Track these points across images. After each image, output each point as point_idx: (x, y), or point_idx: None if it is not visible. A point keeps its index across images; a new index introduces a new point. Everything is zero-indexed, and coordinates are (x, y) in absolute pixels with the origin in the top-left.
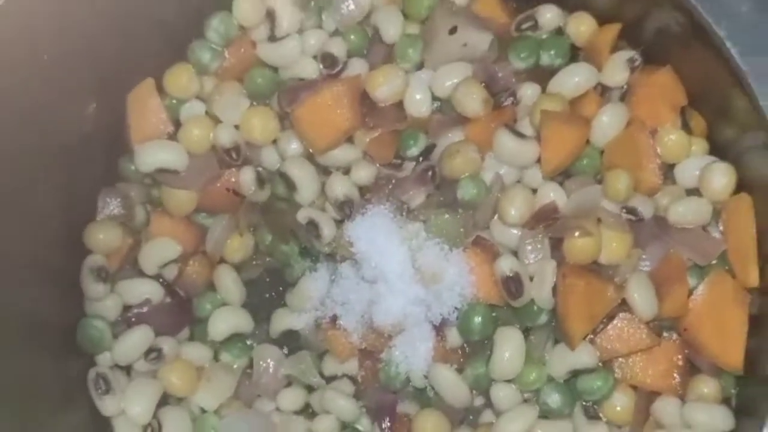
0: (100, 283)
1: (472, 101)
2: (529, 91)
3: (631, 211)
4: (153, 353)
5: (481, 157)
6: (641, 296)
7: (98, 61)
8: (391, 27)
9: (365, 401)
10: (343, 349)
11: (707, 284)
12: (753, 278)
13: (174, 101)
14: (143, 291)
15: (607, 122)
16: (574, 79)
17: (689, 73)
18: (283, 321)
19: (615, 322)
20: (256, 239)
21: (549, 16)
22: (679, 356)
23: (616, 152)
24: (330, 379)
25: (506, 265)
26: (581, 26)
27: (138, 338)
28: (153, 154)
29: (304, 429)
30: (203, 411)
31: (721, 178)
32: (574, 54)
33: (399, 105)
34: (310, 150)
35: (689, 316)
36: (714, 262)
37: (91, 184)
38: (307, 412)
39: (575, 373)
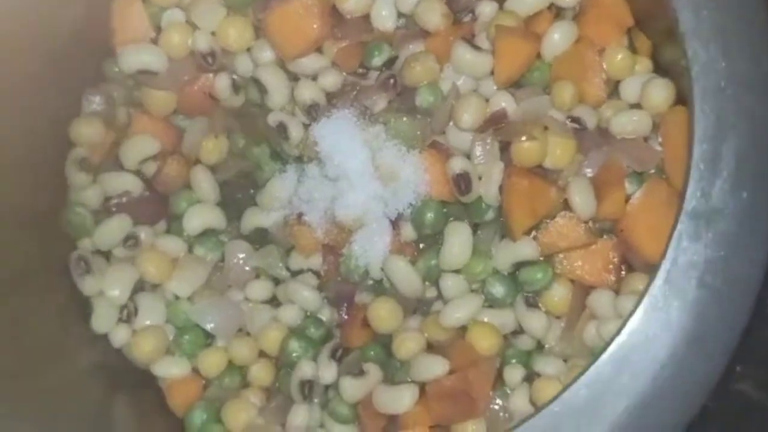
0: (83, 173)
1: (433, 15)
2: (487, 9)
3: (576, 120)
4: (131, 240)
5: (440, 68)
6: (581, 197)
7: None
8: None
9: (327, 293)
10: (307, 244)
11: (644, 189)
12: None
13: (156, 9)
14: (123, 183)
15: (558, 38)
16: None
17: None
18: (253, 219)
19: (556, 219)
20: (230, 142)
21: None
22: (615, 254)
23: (564, 66)
24: (295, 273)
25: (457, 164)
26: None
27: (117, 225)
28: (135, 56)
29: (270, 317)
30: (177, 298)
31: (661, 91)
32: None
33: (366, 18)
34: (282, 57)
35: (626, 218)
36: (652, 171)
37: (77, 83)
38: (274, 302)
39: (518, 266)
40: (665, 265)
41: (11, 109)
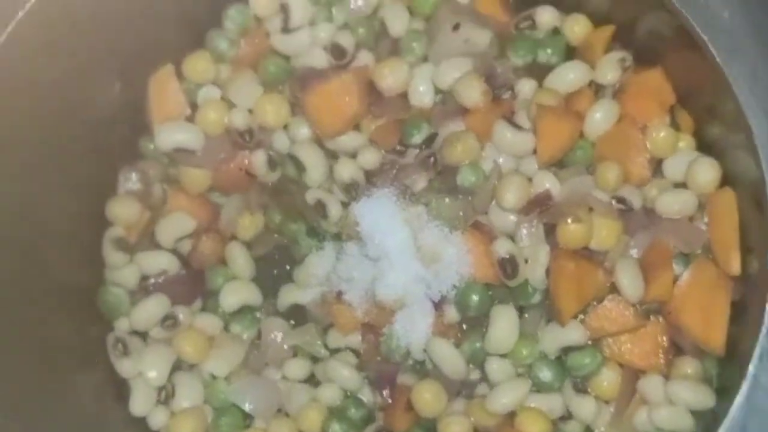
0: (120, 252)
1: (473, 92)
2: (526, 87)
3: (621, 200)
4: (168, 320)
5: (480, 146)
6: (629, 280)
7: (123, 46)
8: (397, 22)
9: (367, 372)
10: (346, 322)
11: (692, 271)
12: (735, 267)
13: (192, 86)
14: (160, 262)
15: (600, 117)
16: (569, 75)
17: (677, 74)
18: (290, 295)
19: (604, 303)
20: (267, 218)
21: (546, 16)
22: (664, 337)
23: (607, 145)
24: (334, 352)
25: (502, 247)
26: (576, 27)
27: (154, 306)
28: (171, 134)
29: (309, 397)
30: (214, 377)
31: (707, 172)
32: (569, 52)
33: (403, 95)
34: (319, 135)
35: (674, 301)
36: (699, 251)
37: (113, 160)
38: (312, 381)
39: (566, 350)
40: (745, 385)
41: (50, 186)
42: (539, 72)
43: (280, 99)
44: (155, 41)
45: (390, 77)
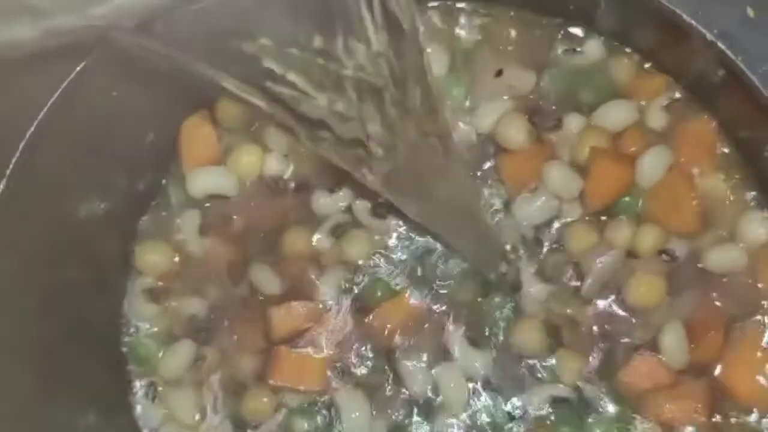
0: (151, 303)
1: (517, 133)
2: (574, 122)
3: (668, 252)
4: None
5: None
6: (673, 346)
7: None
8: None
9: None
10: None
11: (742, 333)
12: None
13: (225, 131)
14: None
15: (653, 163)
16: (619, 115)
17: (730, 118)
18: None
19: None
20: None
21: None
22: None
23: (655, 194)
24: None
25: None
26: (625, 67)
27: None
28: (205, 180)
29: None
30: None
31: (759, 227)
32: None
33: None
34: None
35: (722, 362)
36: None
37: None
38: None
39: None
40: None
41: (77, 235)
42: (581, 107)
43: None
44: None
45: None
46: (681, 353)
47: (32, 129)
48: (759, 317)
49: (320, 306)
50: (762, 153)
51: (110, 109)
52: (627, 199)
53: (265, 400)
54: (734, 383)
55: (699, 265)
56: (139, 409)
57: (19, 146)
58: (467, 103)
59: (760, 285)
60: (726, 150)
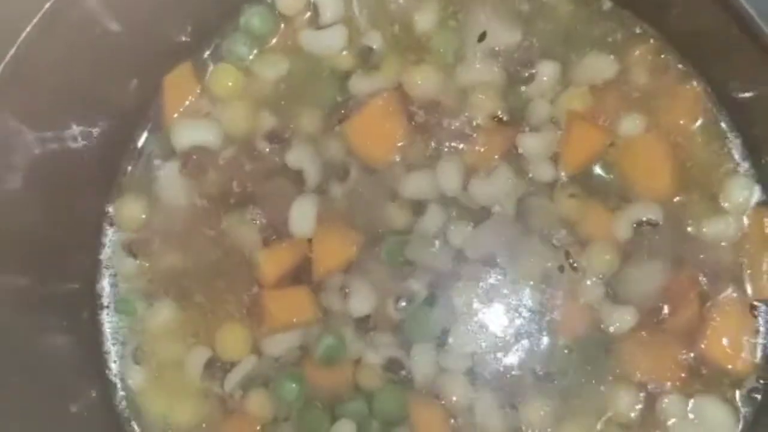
0: (130, 257)
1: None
2: (548, 69)
3: (649, 222)
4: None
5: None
6: None
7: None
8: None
9: None
10: None
11: (719, 300)
12: None
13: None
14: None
15: (630, 125)
16: (598, 70)
17: (722, 80)
18: None
19: None
20: None
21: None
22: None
23: (633, 156)
24: None
25: None
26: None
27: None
28: (190, 132)
29: None
30: None
31: (744, 193)
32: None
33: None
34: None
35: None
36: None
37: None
38: None
39: None
40: None
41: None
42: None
43: None
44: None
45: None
46: None
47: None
48: (736, 285)
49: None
50: (752, 116)
51: (94, 42)
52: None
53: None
54: (711, 353)
55: (680, 231)
56: (115, 367)
57: None
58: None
59: (740, 254)
60: (713, 113)
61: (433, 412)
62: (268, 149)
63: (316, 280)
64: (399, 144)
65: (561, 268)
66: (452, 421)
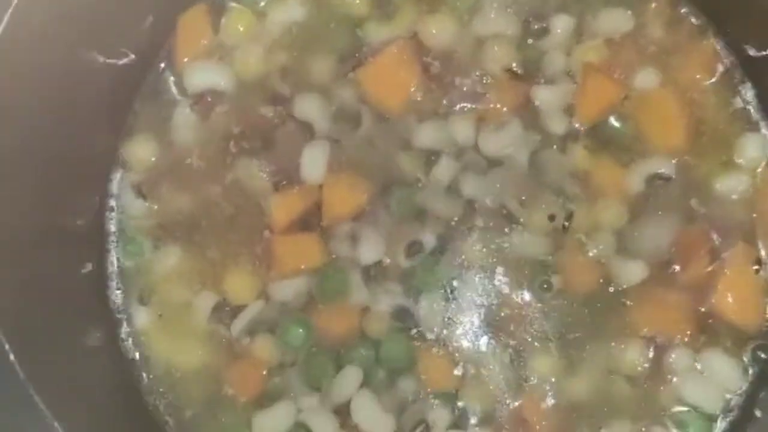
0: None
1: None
2: (560, 24)
3: (661, 176)
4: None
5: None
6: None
7: None
8: None
9: None
10: None
11: (729, 256)
12: None
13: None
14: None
15: (643, 79)
16: (614, 23)
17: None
18: None
19: None
20: None
21: None
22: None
23: (647, 110)
24: None
25: None
26: None
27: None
28: (203, 74)
29: None
30: None
31: (759, 150)
32: None
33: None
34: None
35: (709, 286)
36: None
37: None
38: None
39: None
40: None
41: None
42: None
43: None
44: None
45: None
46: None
47: None
48: (747, 242)
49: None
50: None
51: None
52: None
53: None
54: (721, 309)
55: (693, 186)
56: (121, 306)
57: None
58: None
59: (752, 211)
60: (729, 70)
61: (439, 360)
62: (280, 95)
63: (326, 227)
64: (412, 93)
65: (564, 227)
66: (457, 370)
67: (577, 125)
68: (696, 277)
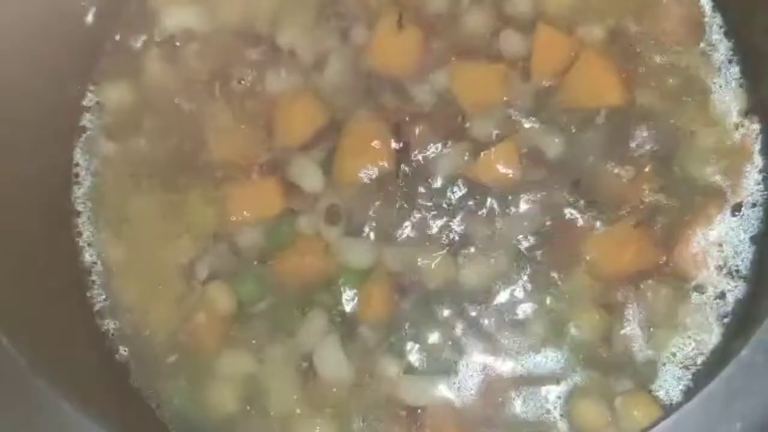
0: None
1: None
2: None
3: None
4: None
5: None
6: None
7: None
8: None
9: None
10: None
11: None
12: None
13: None
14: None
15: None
16: None
17: None
18: None
19: None
20: None
21: None
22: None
23: None
24: None
25: None
26: None
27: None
28: (176, 15)
29: None
30: None
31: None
32: None
33: None
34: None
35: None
36: None
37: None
38: None
39: None
40: None
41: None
42: None
43: None
44: None
45: None
46: None
47: None
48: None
49: None
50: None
51: None
52: None
53: None
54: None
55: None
56: (88, 241)
57: None
58: None
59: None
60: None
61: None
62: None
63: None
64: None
65: None
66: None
67: None
68: (662, 226)
